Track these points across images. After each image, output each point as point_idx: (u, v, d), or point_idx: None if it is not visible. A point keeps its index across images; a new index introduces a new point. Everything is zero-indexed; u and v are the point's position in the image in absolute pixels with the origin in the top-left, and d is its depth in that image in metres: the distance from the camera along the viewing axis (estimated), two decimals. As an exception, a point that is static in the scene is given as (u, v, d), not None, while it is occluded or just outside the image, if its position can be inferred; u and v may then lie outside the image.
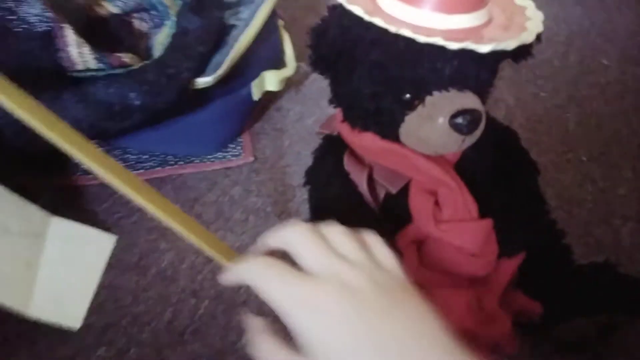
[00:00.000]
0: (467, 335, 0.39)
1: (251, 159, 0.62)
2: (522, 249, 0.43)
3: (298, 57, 0.68)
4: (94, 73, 0.50)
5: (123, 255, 0.51)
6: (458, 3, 0.35)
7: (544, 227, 0.44)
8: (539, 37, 0.36)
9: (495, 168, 0.44)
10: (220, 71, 0.55)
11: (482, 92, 0.39)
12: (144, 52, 0.57)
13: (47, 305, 0.46)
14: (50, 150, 0.51)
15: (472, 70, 0.36)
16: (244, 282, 0.28)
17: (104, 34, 0.54)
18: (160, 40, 0.56)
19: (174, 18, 0.55)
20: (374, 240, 0.28)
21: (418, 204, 0.41)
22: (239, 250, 0.51)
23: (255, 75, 0.63)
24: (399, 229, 0.43)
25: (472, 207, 0.40)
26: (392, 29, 0.32)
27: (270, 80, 0.65)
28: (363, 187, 0.42)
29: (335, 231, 0.28)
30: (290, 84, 0.72)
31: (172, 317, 0.46)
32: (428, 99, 0.37)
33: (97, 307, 0.47)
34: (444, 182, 0.40)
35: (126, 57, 0.50)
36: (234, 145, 0.64)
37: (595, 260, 0.44)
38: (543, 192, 0.57)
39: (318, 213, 0.45)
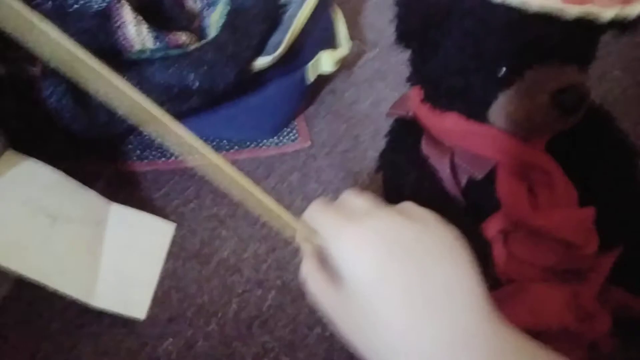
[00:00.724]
0: (564, 333, 0.36)
1: (308, 143, 0.60)
2: (622, 240, 0.39)
3: (351, 36, 0.65)
4: (150, 54, 0.48)
5: (184, 243, 0.49)
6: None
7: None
8: None
9: (589, 152, 0.40)
10: (280, 50, 0.53)
11: (586, 68, 0.35)
12: (198, 32, 0.55)
13: (112, 294, 0.44)
14: (106, 135, 0.50)
15: (579, 41, 0.33)
16: (308, 227, 0.29)
17: (156, 14, 0.51)
18: (214, 19, 0.53)
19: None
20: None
21: (509, 190, 0.38)
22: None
23: (310, 56, 0.60)
24: (483, 219, 0.39)
25: (572, 194, 0.37)
26: (501, -7, 0.29)
27: (325, 61, 0.62)
28: (445, 172, 0.39)
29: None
30: (343, 65, 0.68)
31: (238, 308, 0.44)
32: (528, 73, 0.33)
33: (161, 297, 0.45)
34: (540, 166, 0.37)
35: (182, 37, 0.48)
36: (289, 129, 0.61)
37: None
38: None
39: (394, 200, 0.42)
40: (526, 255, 0.38)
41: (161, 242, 0.49)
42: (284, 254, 0.48)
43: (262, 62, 0.52)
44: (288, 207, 0.54)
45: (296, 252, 0.49)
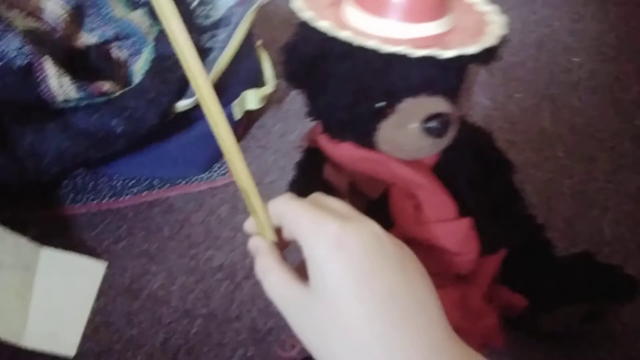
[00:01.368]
0: (455, 332, 0.40)
1: (237, 177, 0.63)
2: (503, 245, 0.44)
3: (278, 75, 0.70)
4: (75, 103, 0.51)
5: (114, 280, 0.52)
6: (422, 12, 0.36)
7: (523, 222, 0.45)
8: (502, 40, 0.38)
9: (472, 168, 0.45)
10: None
11: (452, 96, 0.40)
12: (124, 80, 0.58)
13: (41, 334, 0.46)
14: (35, 182, 0.52)
15: (440, 76, 0.38)
16: (276, 216, 0.28)
17: (83, 64, 0.55)
18: (139, 67, 0.57)
19: (152, 44, 0.56)
20: None
21: (399, 208, 0.42)
22: (229, 269, 0.53)
23: (236, 95, 0.65)
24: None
25: (451, 208, 0.41)
26: (359, 40, 0.34)
27: (250, 99, 0.66)
28: (344, 195, 0.43)
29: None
30: (272, 101, 0.73)
31: (165, 338, 0.47)
32: (399, 106, 0.38)
33: (91, 333, 0.47)
34: (422, 185, 0.41)
35: (106, 85, 0.51)
36: (219, 165, 0.65)
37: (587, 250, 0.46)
38: (522, 189, 0.59)
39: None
40: (420, 265, 0.42)
41: (92, 281, 0.51)
42: (210, 283, 0.51)
43: (183, 104, 0.55)
44: (216, 239, 0.57)
45: (222, 281, 0.52)
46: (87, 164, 0.58)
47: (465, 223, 0.41)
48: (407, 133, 0.38)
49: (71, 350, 0.46)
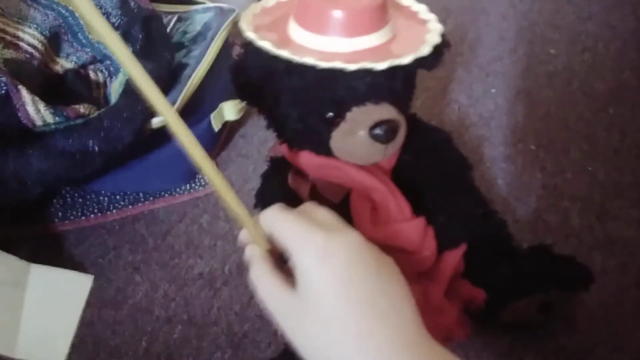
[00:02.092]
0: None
1: (218, 186, 0.66)
2: (461, 240, 0.45)
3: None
4: (54, 126, 0.54)
5: (100, 293, 0.54)
6: (359, 27, 0.38)
7: (482, 218, 0.47)
8: (440, 49, 0.40)
9: (430, 168, 0.47)
10: (178, 109, 0.59)
11: (401, 102, 0.42)
12: (102, 101, 0.61)
13: (32, 346, 0.49)
14: (21, 202, 0.55)
15: (384, 84, 0.40)
16: (265, 227, 0.31)
17: (61, 89, 0.58)
18: (115, 88, 0.60)
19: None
20: None
21: (357, 210, 0.44)
22: (208, 276, 0.55)
23: (214, 107, 0.67)
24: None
25: (405, 208, 0.43)
26: (296, 58, 0.36)
27: (229, 110, 0.68)
28: (307, 201, 0.45)
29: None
30: (252, 111, 0.75)
31: (147, 345, 0.49)
32: (348, 114, 0.40)
33: (77, 344, 0.50)
34: (376, 188, 0.43)
35: (82, 108, 0.54)
36: (200, 176, 0.67)
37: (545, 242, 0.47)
38: (493, 183, 0.61)
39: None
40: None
41: (79, 294, 0.54)
42: (190, 291, 0.54)
43: (157, 121, 0.58)
44: (197, 248, 0.60)
45: (202, 288, 0.54)
46: (71, 183, 0.61)
47: (419, 222, 0.43)
48: (356, 140, 0.40)
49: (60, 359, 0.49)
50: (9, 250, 0.54)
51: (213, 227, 0.61)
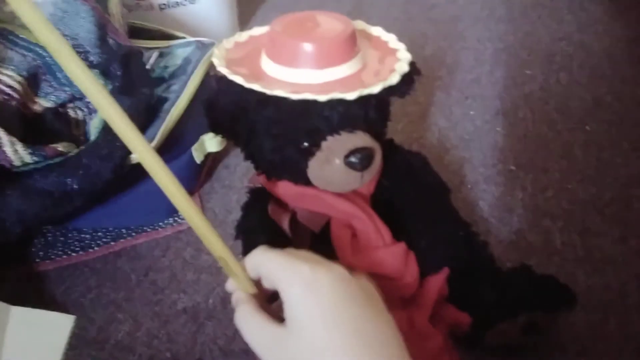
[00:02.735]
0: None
1: (201, 219, 0.65)
2: (443, 265, 0.45)
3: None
4: (34, 166, 0.54)
5: (82, 332, 0.53)
6: (329, 59, 0.39)
7: (463, 240, 0.47)
8: (410, 76, 0.40)
9: (409, 193, 0.47)
10: (154, 143, 0.59)
11: (375, 129, 0.43)
12: (82, 139, 0.61)
13: (11, 392, 0.48)
14: (5, 241, 0.54)
15: (358, 113, 0.40)
16: (254, 268, 0.32)
17: (40, 128, 0.58)
18: (95, 125, 0.60)
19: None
20: None
21: (338, 238, 0.44)
22: (192, 310, 0.54)
23: (195, 139, 0.67)
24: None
25: (386, 234, 0.43)
26: (268, 91, 0.36)
27: (210, 142, 0.69)
28: (287, 231, 0.45)
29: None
30: (235, 141, 0.75)
31: (130, 386, 0.48)
32: (323, 144, 0.40)
33: (58, 387, 0.49)
34: (355, 215, 0.43)
35: (61, 147, 0.54)
36: (183, 210, 0.67)
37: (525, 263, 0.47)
38: (475, 205, 0.61)
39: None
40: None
41: (60, 336, 0.53)
42: (174, 327, 0.53)
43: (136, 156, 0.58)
44: (180, 283, 0.59)
45: (185, 324, 0.53)
46: (51, 222, 0.61)
47: (399, 248, 0.43)
48: (333, 169, 0.41)
49: (39, 405, 0.47)
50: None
51: (196, 261, 0.60)
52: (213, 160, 0.74)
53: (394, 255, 0.42)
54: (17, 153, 0.51)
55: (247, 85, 0.37)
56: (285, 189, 0.45)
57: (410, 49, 0.43)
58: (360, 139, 0.40)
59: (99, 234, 0.64)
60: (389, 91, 0.40)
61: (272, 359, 0.29)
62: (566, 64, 0.88)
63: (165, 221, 0.65)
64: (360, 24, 0.46)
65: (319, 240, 0.46)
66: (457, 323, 0.44)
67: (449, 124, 0.76)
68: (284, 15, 0.42)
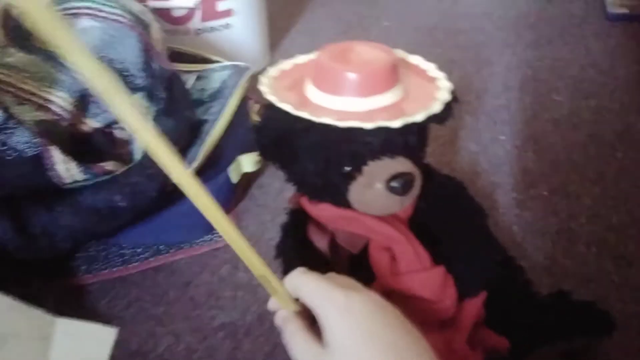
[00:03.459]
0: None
1: (237, 237, 0.67)
2: (481, 288, 0.46)
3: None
4: (83, 183, 0.56)
5: (123, 345, 0.55)
6: (373, 87, 0.40)
7: (500, 265, 0.47)
8: (450, 104, 0.42)
9: (446, 217, 0.48)
10: (196, 164, 0.62)
11: (415, 154, 0.44)
12: (127, 157, 0.64)
13: (56, 402, 0.50)
14: (49, 257, 0.57)
15: (399, 139, 0.42)
16: (291, 289, 0.34)
17: (89, 147, 0.61)
18: (140, 144, 0.63)
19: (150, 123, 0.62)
20: None
21: (376, 261, 0.45)
22: (230, 327, 0.56)
23: (231, 160, 0.70)
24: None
25: (424, 258, 0.44)
26: (315, 119, 0.38)
27: (246, 163, 0.71)
28: (326, 252, 0.47)
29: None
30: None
31: (171, 399, 0.50)
32: (365, 168, 0.42)
33: (101, 398, 0.50)
34: (395, 238, 0.44)
35: (109, 165, 0.57)
36: (220, 228, 0.69)
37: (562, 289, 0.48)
38: (508, 229, 0.62)
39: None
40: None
41: (103, 347, 0.55)
42: (212, 342, 0.54)
43: (180, 176, 0.60)
44: (218, 299, 0.60)
45: (224, 340, 0.55)
46: (98, 238, 0.63)
47: (438, 271, 0.44)
48: (374, 193, 0.42)
49: (84, 415, 0.49)
50: (35, 303, 0.55)
51: (233, 278, 0.62)
52: (247, 180, 0.76)
53: (432, 279, 0.43)
54: (69, 171, 0.53)
55: (295, 113, 0.39)
56: (325, 210, 0.47)
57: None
58: (401, 164, 0.42)
59: (139, 249, 0.66)
60: (429, 118, 0.41)
61: None
62: (595, 90, 0.88)
63: (203, 239, 0.67)
64: (400, 53, 0.48)
65: (357, 262, 0.47)
66: (496, 347, 0.45)
67: (478, 148, 0.77)
68: (328, 45, 0.44)
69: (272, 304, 0.37)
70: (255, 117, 0.78)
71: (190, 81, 0.78)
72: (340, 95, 0.40)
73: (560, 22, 1.10)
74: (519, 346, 0.44)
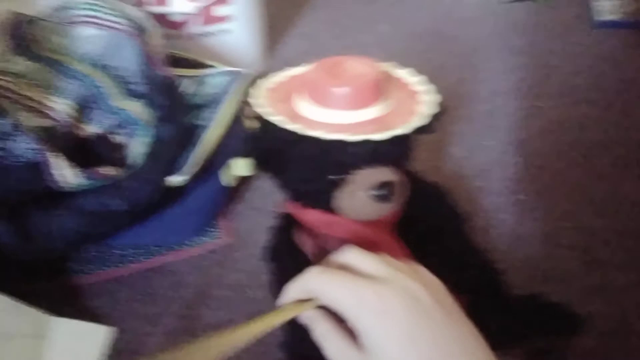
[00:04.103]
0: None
1: (231, 239, 0.69)
2: (460, 291, 0.48)
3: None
4: (82, 188, 0.58)
5: (116, 343, 0.57)
6: (359, 101, 0.43)
7: (477, 267, 0.50)
8: (435, 116, 0.44)
9: (426, 222, 0.51)
10: (193, 169, 0.64)
11: (398, 164, 0.47)
12: (123, 161, 0.66)
13: (52, 398, 0.52)
14: (47, 257, 0.58)
15: (382, 150, 0.44)
16: (309, 292, 0.31)
17: (88, 152, 0.62)
18: (135, 148, 0.64)
19: (144, 125, 0.64)
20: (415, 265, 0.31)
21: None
22: (218, 327, 0.57)
23: (224, 164, 0.72)
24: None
25: (407, 259, 0.47)
26: (307, 132, 0.41)
27: (240, 167, 0.72)
28: (311, 256, 0.49)
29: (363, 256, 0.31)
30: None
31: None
32: (349, 177, 0.44)
33: (96, 394, 0.52)
34: (379, 242, 0.47)
35: (109, 170, 0.59)
36: (212, 229, 0.71)
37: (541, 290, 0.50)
38: (488, 233, 0.64)
39: (277, 286, 0.51)
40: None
41: (97, 346, 0.57)
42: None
43: (176, 180, 0.62)
44: (209, 298, 0.62)
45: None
46: (95, 240, 0.65)
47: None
48: (358, 200, 0.44)
49: (79, 411, 0.51)
50: (30, 303, 0.57)
51: (223, 278, 0.64)
52: (241, 182, 0.78)
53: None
54: (68, 176, 0.55)
55: (287, 127, 0.41)
56: (313, 216, 0.49)
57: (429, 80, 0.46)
58: (384, 173, 0.44)
59: (131, 250, 0.68)
60: (416, 130, 0.44)
61: None
62: (581, 98, 0.91)
63: (194, 240, 0.69)
64: (388, 67, 0.50)
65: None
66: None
67: (464, 153, 0.80)
68: (318, 61, 0.46)
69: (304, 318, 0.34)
70: (250, 122, 0.80)
71: (186, 86, 0.80)
72: (329, 108, 0.43)
73: (548, 29, 1.12)
74: (491, 345, 0.46)
